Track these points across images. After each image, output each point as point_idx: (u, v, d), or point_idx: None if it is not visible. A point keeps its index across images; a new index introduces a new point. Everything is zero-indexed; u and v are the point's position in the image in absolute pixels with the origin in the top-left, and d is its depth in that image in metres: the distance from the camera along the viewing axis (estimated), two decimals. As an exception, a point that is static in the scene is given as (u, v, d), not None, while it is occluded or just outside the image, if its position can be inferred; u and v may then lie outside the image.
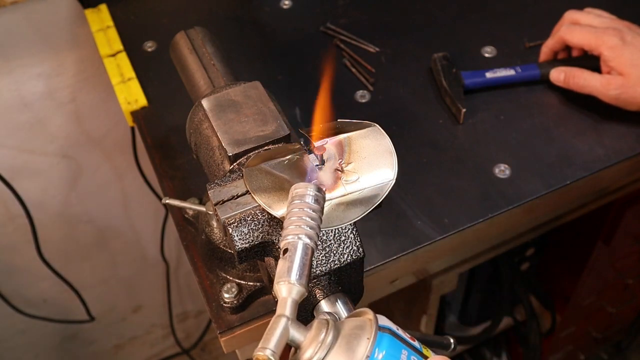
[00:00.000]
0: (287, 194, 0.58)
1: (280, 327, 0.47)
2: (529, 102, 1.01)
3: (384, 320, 0.50)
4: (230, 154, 0.66)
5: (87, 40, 1.26)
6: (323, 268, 0.59)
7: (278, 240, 0.58)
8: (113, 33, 1.13)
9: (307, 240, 0.50)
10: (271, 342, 0.46)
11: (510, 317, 1.59)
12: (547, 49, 1.02)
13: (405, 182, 0.91)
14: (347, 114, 1.00)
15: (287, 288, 0.48)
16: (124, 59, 1.09)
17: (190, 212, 0.87)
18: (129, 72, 1.07)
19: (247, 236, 0.58)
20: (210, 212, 0.78)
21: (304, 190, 0.52)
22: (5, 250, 1.55)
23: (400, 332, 0.50)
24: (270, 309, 0.80)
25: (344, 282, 0.61)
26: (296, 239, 0.49)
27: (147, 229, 1.73)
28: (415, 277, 1.01)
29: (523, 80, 1.02)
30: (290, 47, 1.12)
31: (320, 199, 0.52)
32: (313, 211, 0.51)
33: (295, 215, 0.51)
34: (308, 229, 0.50)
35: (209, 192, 0.61)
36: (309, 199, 0.51)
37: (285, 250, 0.49)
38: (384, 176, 0.60)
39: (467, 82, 1.01)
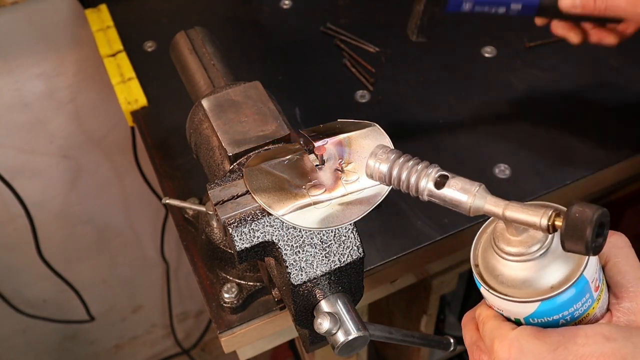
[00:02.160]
0: (286, 194, 0.58)
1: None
2: (530, 101, 1.01)
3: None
4: (230, 154, 0.66)
5: (87, 40, 1.26)
6: (323, 268, 0.59)
7: (278, 240, 0.59)
8: (113, 33, 1.13)
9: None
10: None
11: (510, 317, 1.59)
12: None
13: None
14: (347, 114, 0.99)
15: (480, 196, 0.50)
16: (124, 59, 1.09)
17: (190, 212, 0.87)
18: (129, 72, 1.07)
19: (247, 236, 0.58)
20: (210, 212, 0.78)
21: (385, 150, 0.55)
22: (5, 250, 1.55)
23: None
24: (270, 309, 0.81)
25: (344, 282, 0.61)
26: (438, 169, 0.52)
27: (147, 229, 1.73)
28: (415, 277, 1.01)
29: (517, 9, 0.89)
30: (290, 47, 1.12)
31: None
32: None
33: (409, 162, 0.53)
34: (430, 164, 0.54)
35: (209, 192, 0.61)
36: (397, 154, 0.55)
37: (445, 177, 0.51)
38: (384, 176, 0.60)
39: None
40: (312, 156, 0.62)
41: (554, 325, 0.50)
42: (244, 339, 0.82)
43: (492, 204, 0.49)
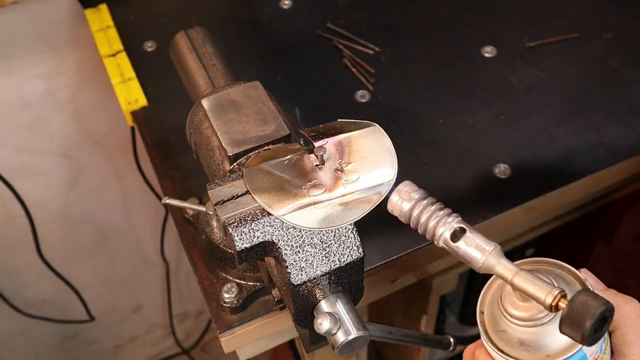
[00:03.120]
0: (287, 194, 0.58)
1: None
2: (529, 102, 1.01)
3: None
4: (230, 154, 0.66)
5: (87, 40, 1.25)
6: (323, 268, 0.59)
7: (278, 240, 0.58)
8: (113, 33, 1.13)
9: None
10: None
11: (510, 317, 1.59)
12: None
13: (451, 209, 0.91)
14: (347, 114, 1.00)
15: (493, 258, 0.51)
16: (124, 59, 1.09)
17: (190, 212, 0.87)
18: (129, 72, 1.07)
19: (247, 236, 0.58)
20: (210, 212, 0.78)
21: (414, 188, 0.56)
22: (5, 250, 1.55)
23: None
24: (270, 309, 0.80)
25: (344, 282, 0.61)
26: (458, 220, 0.53)
27: (147, 229, 1.73)
28: (415, 277, 1.01)
29: None
30: (290, 47, 1.12)
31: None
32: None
33: (432, 206, 0.54)
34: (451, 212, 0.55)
35: (209, 192, 0.61)
36: (421, 195, 0.55)
37: (462, 230, 0.52)
38: (384, 176, 0.60)
39: None
40: (312, 156, 0.62)
41: None
42: (244, 339, 0.82)
43: (502, 268, 0.50)
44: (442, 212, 0.53)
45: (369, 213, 0.58)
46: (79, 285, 1.62)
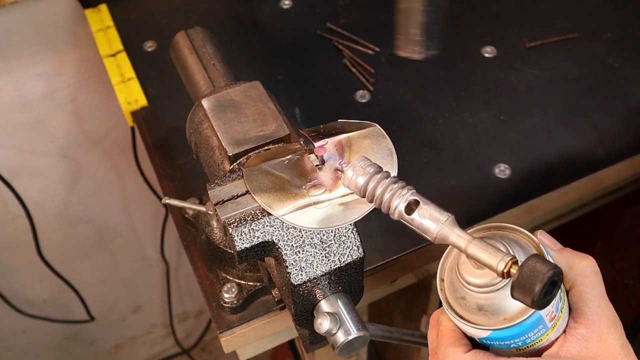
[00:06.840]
0: (287, 194, 0.58)
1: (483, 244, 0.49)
2: (529, 102, 1.01)
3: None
4: (230, 154, 0.66)
5: (87, 40, 1.26)
6: (323, 268, 0.59)
7: (278, 240, 0.59)
8: (113, 33, 1.13)
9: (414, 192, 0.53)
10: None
11: (510, 317, 1.59)
12: None
13: (405, 182, 0.91)
14: (347, 114, 1.00)
15: (447, 227, 0.51)
16: (124, 59, 1.09)
17: (190, 212, 0.87)
18: (129, 72, 1.07)
19: (247, 236, 0.58)
20: (210, 212, 0.78)
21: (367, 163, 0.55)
22: (5, 250, 1.55)
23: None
24: (270, 309, 0.81)
25: (344, 282, 0.61)
26: (412, 192, 0.53)
27: (147, 229, 1.73)
28: (415, 277, 1.01)
29: None
30: (290, 47, 1.12)
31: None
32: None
33: (386, 179, 0.54)
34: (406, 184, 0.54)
35: (209, 192, 0.61)
36: (375, 169, 0.54)
37: (416, 202, 0.52)
38: (384, 176, 0.60)
39: None
40: (312, 156, 0.62)
41: (506, 348, 0.53)
42: (244, 339, 0.82)
43: (456, 238, 0.50)
44: (396, 185, 0.53)
45: (369, 213, 0.58)
46: (79, 285, 1.62)
